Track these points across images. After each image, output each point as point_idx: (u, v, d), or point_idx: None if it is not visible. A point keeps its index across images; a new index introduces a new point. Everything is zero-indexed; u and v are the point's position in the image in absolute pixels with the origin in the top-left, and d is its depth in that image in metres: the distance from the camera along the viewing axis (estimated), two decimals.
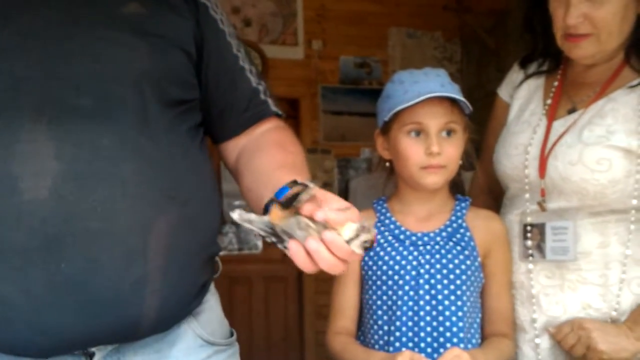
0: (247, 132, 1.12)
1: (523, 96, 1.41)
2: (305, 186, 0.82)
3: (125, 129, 0.92)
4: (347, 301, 1.33)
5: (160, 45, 0.99)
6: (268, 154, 1.05)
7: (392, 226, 1.32)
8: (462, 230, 1.29)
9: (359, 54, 4.35)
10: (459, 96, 1.24)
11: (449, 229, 1.29)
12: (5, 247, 0.86)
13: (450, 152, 1.25)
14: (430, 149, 1.23)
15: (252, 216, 0.82)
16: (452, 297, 1.24)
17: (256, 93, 1.13)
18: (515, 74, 1.46)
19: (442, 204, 1.32)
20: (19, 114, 0.88)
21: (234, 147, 1.13)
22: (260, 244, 4.14)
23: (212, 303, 1.08)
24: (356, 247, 0.78)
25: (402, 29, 4.42)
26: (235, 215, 0.80)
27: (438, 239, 1.28)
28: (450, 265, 1.25)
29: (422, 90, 1.22)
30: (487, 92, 1.79)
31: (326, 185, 4.24)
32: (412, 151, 1.25)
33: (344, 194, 4.22)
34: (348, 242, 0.78)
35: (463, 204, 1.33)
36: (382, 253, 1.29)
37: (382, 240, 1.30)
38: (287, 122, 1.19)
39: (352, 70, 4.35)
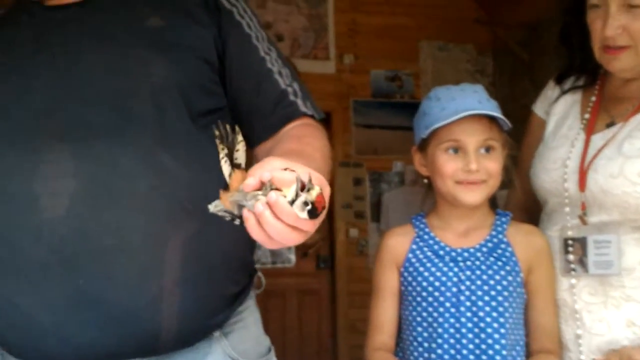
0: (274, 136, 1.07)
1: (560, 112, 1.40)
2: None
3: (145, 145, 0.93)
4: (385, 316, 1.32)
5: (180, 57, 1.00)
6: (282, 146, 0.99)
7: (431, 242, 1.31)
8: (503, 246, 1.28)
9: (390, 67, 4.37)
10: (497, 113, 1.24)
11: (490, 244, 1.28)
12: (26, 264, 0.89)
13: (490, 166, 1.24)
14: (468, 167, 1.22)
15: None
16: (494, 314, 1.22)
17: (284, 95, 1.07)
18: (550, 91, 1.45)
19: (482, 219, 1.31)
20: (45, 135, 0.92)
21: (262, 152, 1.08)
22: (293, 257, 4.15)
23: (248, 321, 1.08)
24: (298, 210, 0.68)
25: (433, 42, 4.43)
26: (212, 206, 0.77)
27: (478, 254, 1.27)
28: (492, 282, 1.24)
29: (459, 107, 1.22)
30: (520, 105, 1.78)
31: (359, 199, 4.26)
32: (449, 167, 1.25)
33: (377, 207, 4.22)
34: (292, 204, 0.68)
35: (504, 219, 1.32)
36: (421, 269, 1.28)
37: (421, 256, 1.30)
38: None
39: (383, 84, 4.37)
